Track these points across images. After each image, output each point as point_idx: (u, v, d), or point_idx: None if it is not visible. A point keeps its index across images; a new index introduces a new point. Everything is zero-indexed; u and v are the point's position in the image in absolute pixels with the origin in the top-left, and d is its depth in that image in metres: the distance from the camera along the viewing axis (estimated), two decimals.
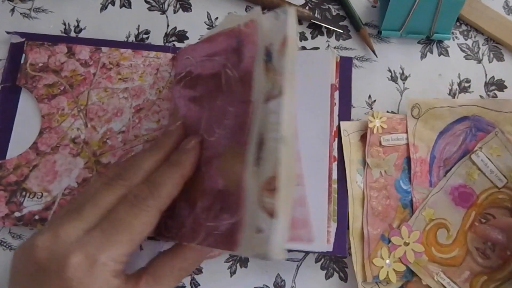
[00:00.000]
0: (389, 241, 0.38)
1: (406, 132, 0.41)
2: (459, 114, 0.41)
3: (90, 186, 0.31)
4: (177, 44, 0.42)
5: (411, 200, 0.39)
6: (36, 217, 0.37)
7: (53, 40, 0.41)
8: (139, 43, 0.42)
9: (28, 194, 0.37)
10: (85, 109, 0.40)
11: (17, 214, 0.37)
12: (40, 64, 0.40)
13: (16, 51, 0.40)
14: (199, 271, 0.38)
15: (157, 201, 0.29)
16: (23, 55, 0.40)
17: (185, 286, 0.38)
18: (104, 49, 0.41)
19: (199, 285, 0.38)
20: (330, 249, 0.36)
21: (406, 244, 0.38)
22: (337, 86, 0.40)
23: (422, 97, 0.42)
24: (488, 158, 0.39)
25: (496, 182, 0.39)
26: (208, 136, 0.32)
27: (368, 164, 0.40)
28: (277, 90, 0.27)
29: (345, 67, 0.42)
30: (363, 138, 0.41)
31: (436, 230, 0.39)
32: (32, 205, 0.37)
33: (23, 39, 0.40)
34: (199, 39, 0.38)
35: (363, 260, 0.38)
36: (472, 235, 0.38)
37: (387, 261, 0.38)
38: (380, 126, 0.40)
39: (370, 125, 0.40)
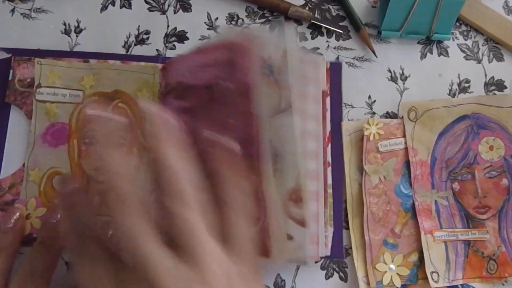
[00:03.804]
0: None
1: (404, 136, 0.41)
2: (458, 113, 0.41)
3: None
4: (177, 45, 0.42)
5: (413, 204, 0.40)
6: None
7: (41, 54, 0.40)
8: (128, 54, 0.41)
9: None
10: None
11: None
12: (29, 80, 0.39)
13: (3, 67, 0.39)
14: None
15: None
16: (11, 71, 0.39)
17: None
18: (92, 61, 0.40)
19: None
20: (328, 253, 0.38)
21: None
22: (328, 92, 0.40)
23: (418, 100, 0.42)
24: None
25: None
26: (207, 147, 0.31)
27: (365, 171, 0.40)
28: (285, 104, 0.30)
29: (335, 72, 0.42)
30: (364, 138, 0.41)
31: (51, 182, 0.37)
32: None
33: (10, 55, 0.39)
34: (190, 50, 0.36)
35: (366, 265, 0.38)
36: (85, 161, 0.37)
37: (391, 265, 0.38)
38: (377, 132, 0.40)
39: (366, 133, 0.40)
